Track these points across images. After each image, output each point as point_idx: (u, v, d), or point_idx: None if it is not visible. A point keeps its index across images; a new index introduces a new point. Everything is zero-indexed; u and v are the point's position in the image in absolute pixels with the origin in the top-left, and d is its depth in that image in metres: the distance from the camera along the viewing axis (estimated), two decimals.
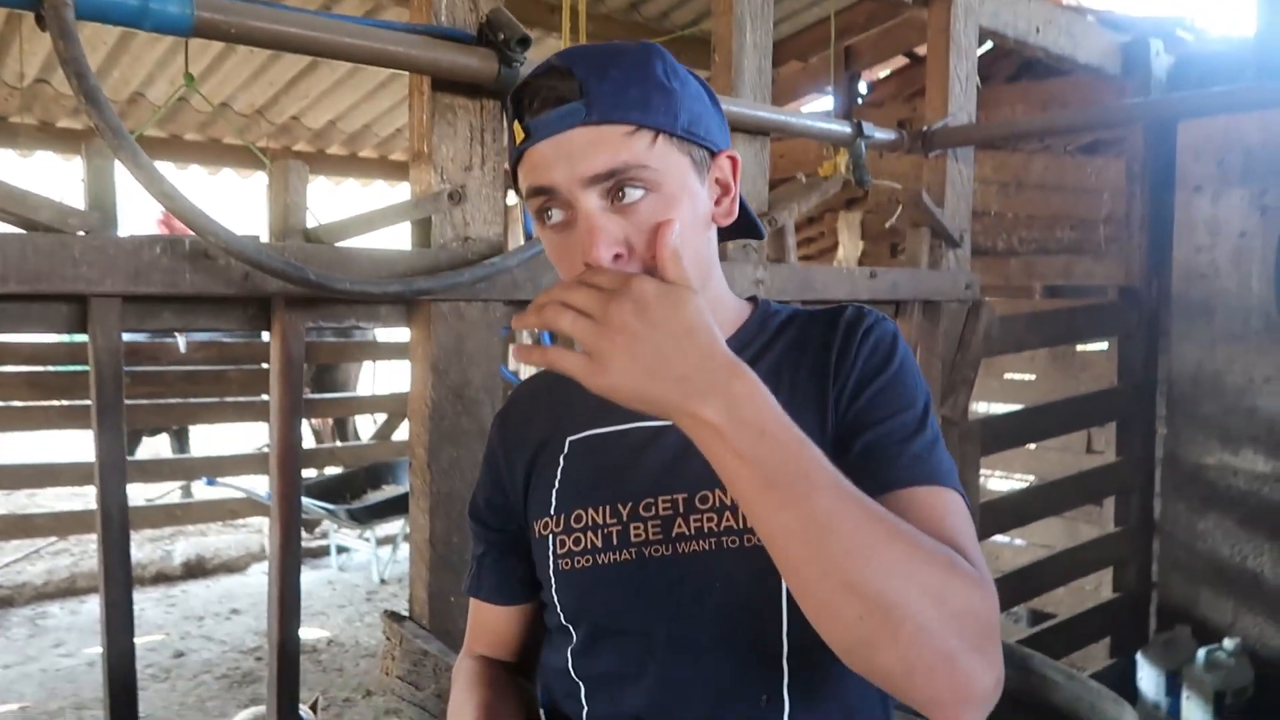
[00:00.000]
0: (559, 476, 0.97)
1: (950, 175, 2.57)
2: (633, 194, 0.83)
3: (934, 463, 0.83)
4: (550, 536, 0.95)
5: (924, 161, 2.59)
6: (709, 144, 0.90)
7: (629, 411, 0.93)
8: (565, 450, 0.98)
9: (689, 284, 0.74)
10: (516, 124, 0.87)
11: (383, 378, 7.87)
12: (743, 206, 0.99)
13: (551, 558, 0.95)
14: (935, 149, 2.52)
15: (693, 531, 0.88)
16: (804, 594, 0.70)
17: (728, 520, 0.87)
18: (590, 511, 0.93)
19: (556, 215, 0.86)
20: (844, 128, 2.29)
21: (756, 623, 0.86)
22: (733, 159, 0.94)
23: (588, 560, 0.92)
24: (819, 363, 0.91)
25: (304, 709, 1.89)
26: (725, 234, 1.00)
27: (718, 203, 0.92)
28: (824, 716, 0.88)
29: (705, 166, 0.91)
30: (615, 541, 0.91)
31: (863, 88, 4.82)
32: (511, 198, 4.72)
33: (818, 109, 5.33)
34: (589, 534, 0.92)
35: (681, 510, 0.89)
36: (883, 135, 2.39)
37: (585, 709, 0.94)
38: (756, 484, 0.69)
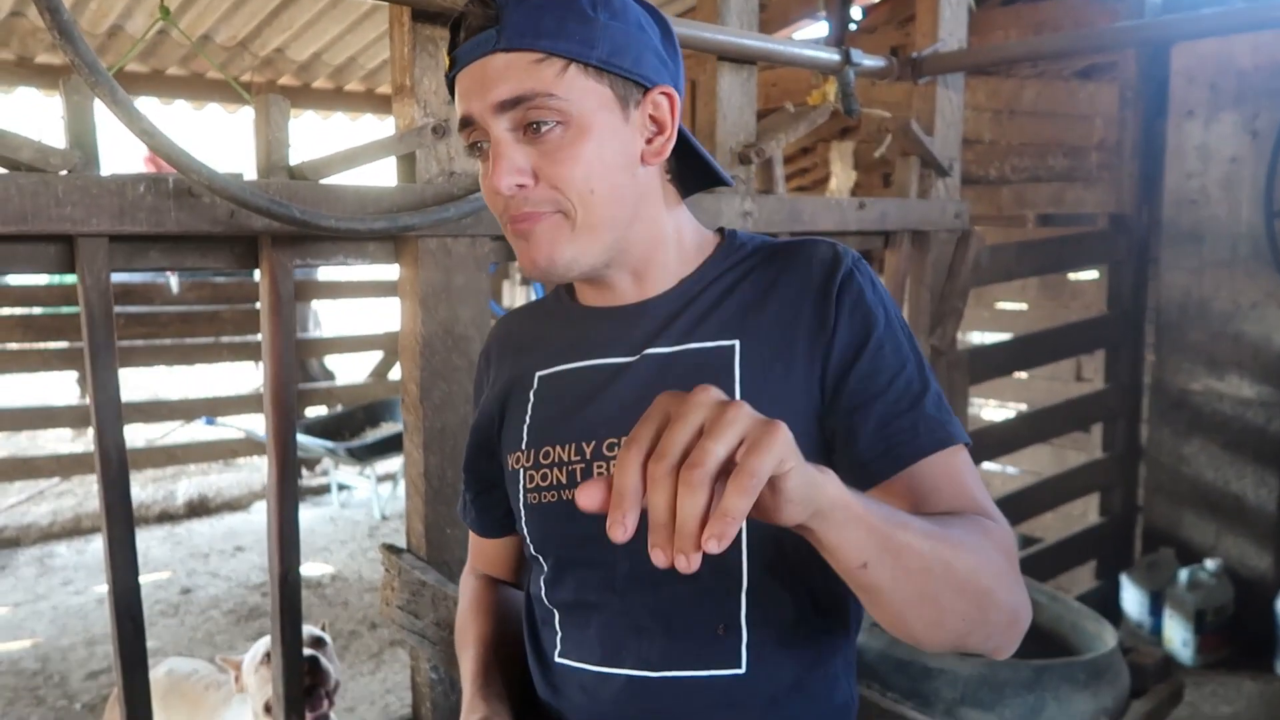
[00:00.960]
0: (529, 411, 0.99)
1: (940, 103, 2.54)
2: (543, 126, 0.84)
3: (941, 421, 0.85)
4: (521, 471, 0.97)
5: (914, 89, 2.56)
6: (638, 78, 0.88)
7: (592, 347, 0.96)
8: (535, 385, 1.00)
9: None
10: (447, 52, 0.88)
11: (374, 316, 7.86)
12: (701, 154, 0.97)
13: (522, 492, 0.97)
14: (925, 76, 2.49)
15: None
16: (902, 620, 0.76)
17: None
18: (557, 448, 0.94)
19: (483, 147, 0.88)
20: (831, 55, 2.26)
21: (717, 561, 0.86)
22: (669, 95, 0.91)
23: (553, 495, 0.94)
24: (798, 313, 0.89)
25: (318, 630, 1.95)
26: (690, 186, 1.00)
27: (649, 141, 0.90)
28: (783, 645, 0.90)
29: (633, 101, 0.88)
30: (579, 478, 0.92)
31: (855, 13, 4.74)
32: None
33: (811, 35, 5.24)
34: (555, 470, 0.94)
35: None
36: (871, 62, 2.36)
37: (559, 634, 0.98)
38: (872, 549, 0.70)
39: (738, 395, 0.87)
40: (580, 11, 0.85)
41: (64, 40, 1.16)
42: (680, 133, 0.93)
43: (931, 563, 0.72)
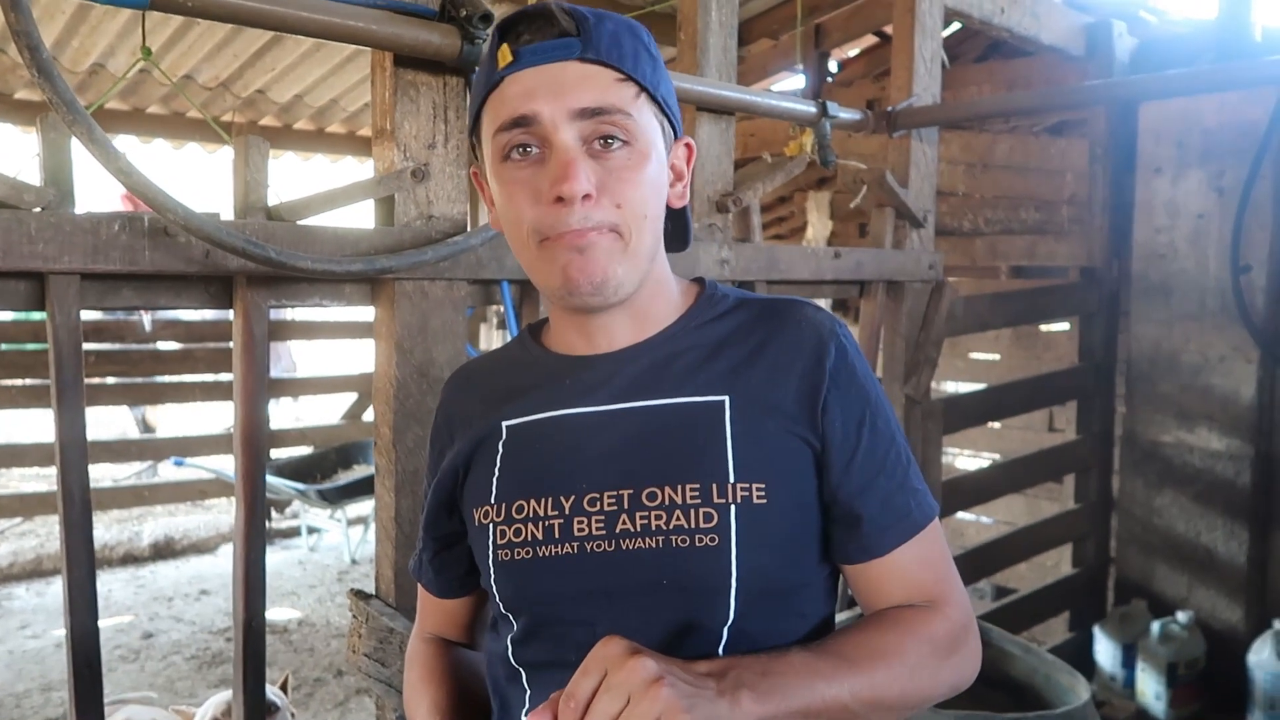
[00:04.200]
0: (498, 464, 0.95)
1: (915, 156, 2.59)
2: (613, 143, 0.85)
3: (924, 493, 0.93)
4: (490, 526, 0.93)
5: (889, 142, 2.61)
6: (675, 123, 0.93)
7: (568, 395, 0.94)
8: (504, 436, 0.96)
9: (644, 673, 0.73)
10: (504, 47, 0.86)
11: (349, 358, 7.82)
12: (685, 215, 1.01)
13: (491, 548, 0.93)
14: (899, 129, 2.54)
15: (638, 529, 0.86)
16: None
17: (677, 519, 0.86)
18: (531, 502, 0.91)
19: (529, 151, 0.86)
20: (809, 107, 2.30)
21: (703, 616, 0.86)
22: (689, 146, 0.96)
23: (527, 552, 0.90)
24: (788, 376, 0.90)
25: (274, 690, 1.90)
26: (668, 241, 1.01)
27: (671, 185, 0.94)
28: None
29: (668, 144, 0.93)
30: (557, 534, 0.89)
31: (833, 66, 4.83)
32: None
33: (788, 87, 5.33)
34: (529, 525, 0.90)
35: (627, 506, 0.87)
36: (848, 115, 2.41)
37: (529, 692, 0.94)
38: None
39: (729, 451, 0.87)
40: (649, 49, 0.90)
41: (43, 78, 1.16)
42: None
43: (861, 706, 0.81)
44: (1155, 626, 3.28)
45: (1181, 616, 3.29)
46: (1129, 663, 3.37)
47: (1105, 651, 3.45)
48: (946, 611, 0.90)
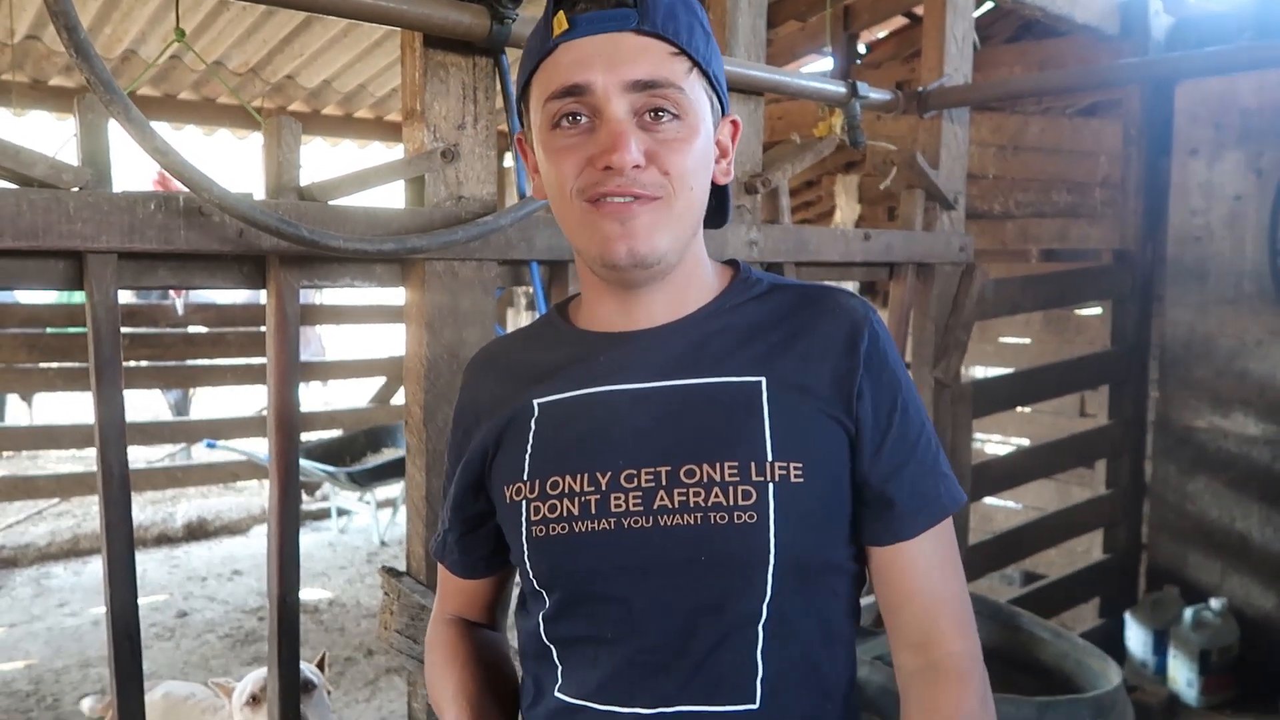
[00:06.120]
0: (531, 441, 0.95)
1: (945, 137, 2.56)
2: (664, 115, 0.86)
3: (953, 480, 0.94)
4: (524, 503, 0.93)
5: (919, 123, 2.59)
6: (724, 101, 0.94)
7: (603, 373, 0.94)
8: (536, 414, 0.96)
9: None
10: (560, 14, 0.87)
11: (377, 342, 7.88)
12: (725, 193, 1.01)
13: (525, 524, 0.92)
14: (930, 110, 2.51)
15: (676, 505, 0.87)
16: None
17: (716, 496, 0.86)
18: (567, 478, 0.91)
19: (579, 120, 0.87)
20: (838, 88, 2.28)
21: (741, 594, 0.87)
22: (735, 124, 0.97)
23: (563, 528, 0.90)
24: (823, 360, 0.91)
25: (310, 667, 1.92)
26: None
27: (716, 161, 0.94)
28: (796, 680, 0.90)
29: (716, 121, 0.93)
30: (593, 510, 0.89)
31: (861, 48, 4.78)
32: (506, 159, 4.70)
33: (817, 70, 5.29)
34: (564, 501, 0.90)
35: (665, 483, 0.88)
36: (878, 96, 2.38)
37: (560, 668, 0.94)
38: None
39: (766, 430, 0.88)
40: (704, 25, 0.91)
41: (80, 59, 1.18)
42: None
43: None
44: (1188, 613, 3.25)
45: (1215, 603, 3.25)
46: (1160, 649, 3.34)
47: (1136, 638, 3.42)
48: (965, 677, 0.90)
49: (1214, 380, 3.33)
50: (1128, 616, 3.47)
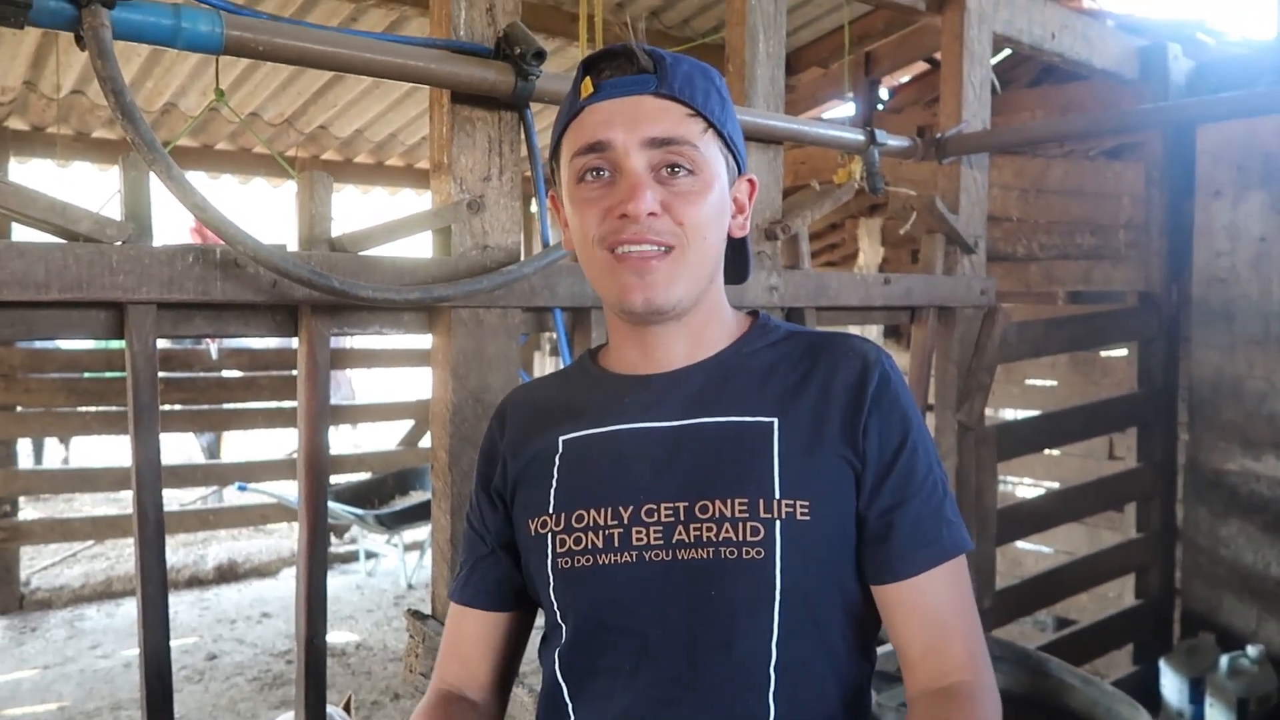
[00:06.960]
0: (555, 476, 0.99)
1: (964, 182, 2.59)
2: (679, 171, 0.93)
3: (959, 526, 0.95)
4: (550, 535, 0.96)
5: (939, 168, 2.62)
6: (740, 161, 1.01)
7: (625, 412, 0.99)
8: (560, 450, 1.00)
9: None
10: (587, 79, 0.95)
11: (406, 386, 7.95)
12: (745, 247, 1.07)
13: (551, 556, 0.96)
14: (948, 156, 2.54)
15: (692, 540, 0.91)
16: None
17: (726, 531, 0.90)
18: (591, 512, 0.95)
19: (601, 174, 0.94)
20: (856, 135, 2.32)
21: (749, 631, 0.89)
22: (752, 182, 1.04)
23: (588, 560, 0.94)
24: (831, 402, 0.94)
25: (338, 710, 1.94)
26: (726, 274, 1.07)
27: (732, 216, 1.01)
28: (809, 713, 0.90)
29: (732, 179, 1.00)
30: (617, 543, 0.93)
31: (883, 94, 4.84)
32: (531, 205, 4.78)
33: (840, 114, 5.35)
34: (589, 534, 0.94)
35: (682, 518, 0.91)
36: (896, 142, 2.42)
37: (571, 705, 0.96)
38: None
39: (775, 468, 0.91)
40: (719, 91, 0.98)
41: (126, 120, 1.24)
42: None
43: None
44: (1224, 660, 3.18)
45: (1251, 650, 3.19)
46: (1197, 698, 3.27)
47: (1171, 686, 3.35)
48: (974, 700, 0.89)
49: (1244, 422, 3.29)
50: (1162, 664, 3.40)
